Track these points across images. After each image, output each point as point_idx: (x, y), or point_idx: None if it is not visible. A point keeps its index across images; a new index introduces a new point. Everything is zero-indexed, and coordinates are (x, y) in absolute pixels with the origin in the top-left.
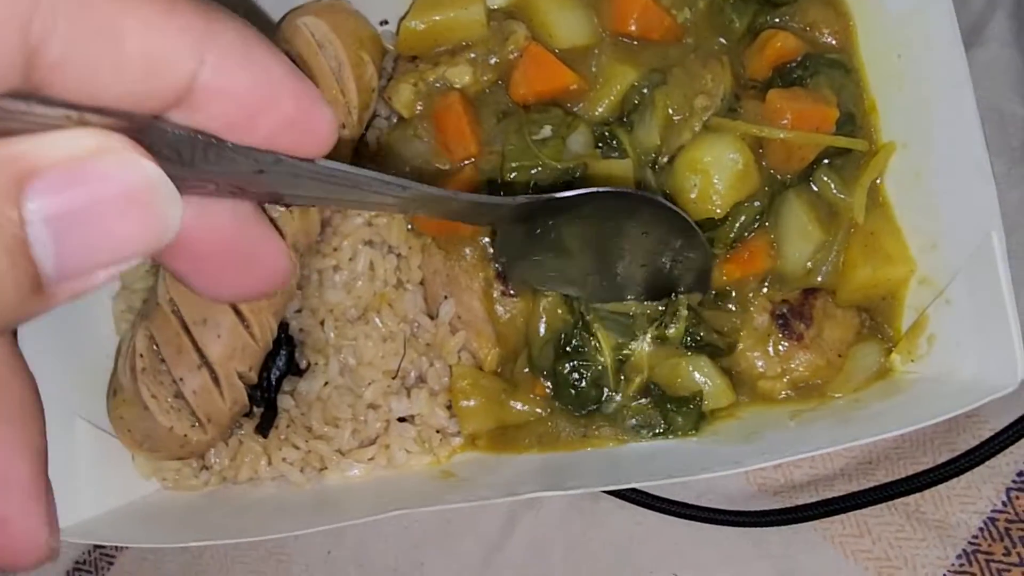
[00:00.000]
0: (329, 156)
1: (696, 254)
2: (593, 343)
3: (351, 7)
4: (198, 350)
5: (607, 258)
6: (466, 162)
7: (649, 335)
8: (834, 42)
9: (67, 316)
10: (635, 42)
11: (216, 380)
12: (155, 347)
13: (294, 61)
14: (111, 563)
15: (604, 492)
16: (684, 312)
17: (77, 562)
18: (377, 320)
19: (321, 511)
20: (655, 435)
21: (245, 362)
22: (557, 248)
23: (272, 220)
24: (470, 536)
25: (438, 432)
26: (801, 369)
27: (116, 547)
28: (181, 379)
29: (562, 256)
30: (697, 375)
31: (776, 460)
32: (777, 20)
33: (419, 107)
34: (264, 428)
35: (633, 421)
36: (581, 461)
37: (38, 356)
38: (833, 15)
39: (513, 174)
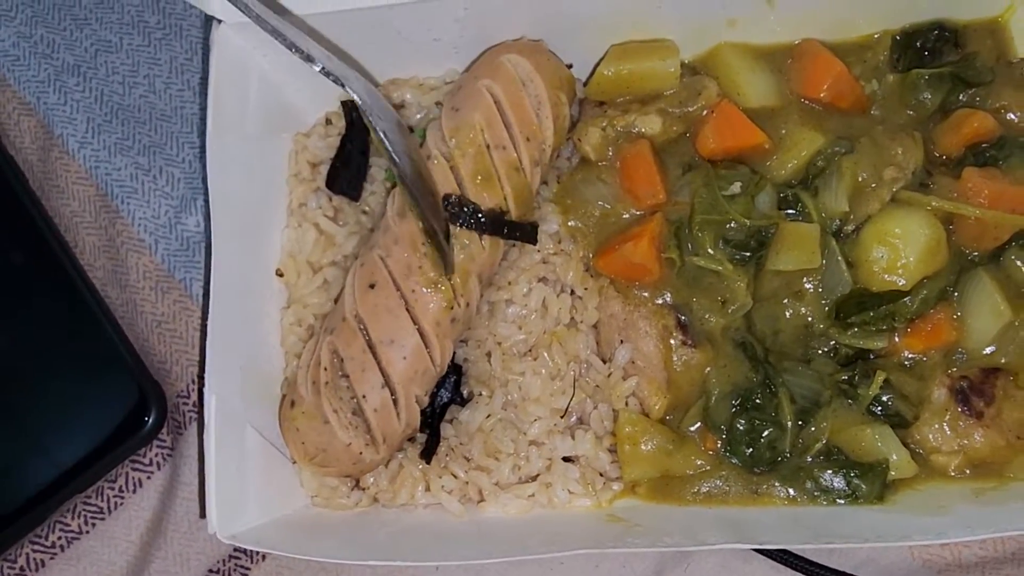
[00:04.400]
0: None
1: None
2: (775, 402)
3: (550, 50)
4: (382, 369)
5: None
6: (652, 209)
7: (836, 399)
8: None
9: (240, 325)
10: (821, 108)
11: (395, 401)
12: (338, 361)
13: (494, 96)
14: (245, 574)
15: (757, 552)
16: (880, 377)
17: (211, 570)
18: (547, 357)
19: (487, 543)
20: (836, 500)
21: (423, 386)
22: None
23: (463, 249)
24: None
25: (600, 475)
26: (979, 447)
27: (251, 559)
28: (364, 396)
29: None
30: (881, 444)
31: (980, 535)
32: (965, 99)
33: (609, 151)
34: (428, 454)
35: (810, 484)
36: (755, 518)
37: (217, 366)
38: None
39: (702, 226)
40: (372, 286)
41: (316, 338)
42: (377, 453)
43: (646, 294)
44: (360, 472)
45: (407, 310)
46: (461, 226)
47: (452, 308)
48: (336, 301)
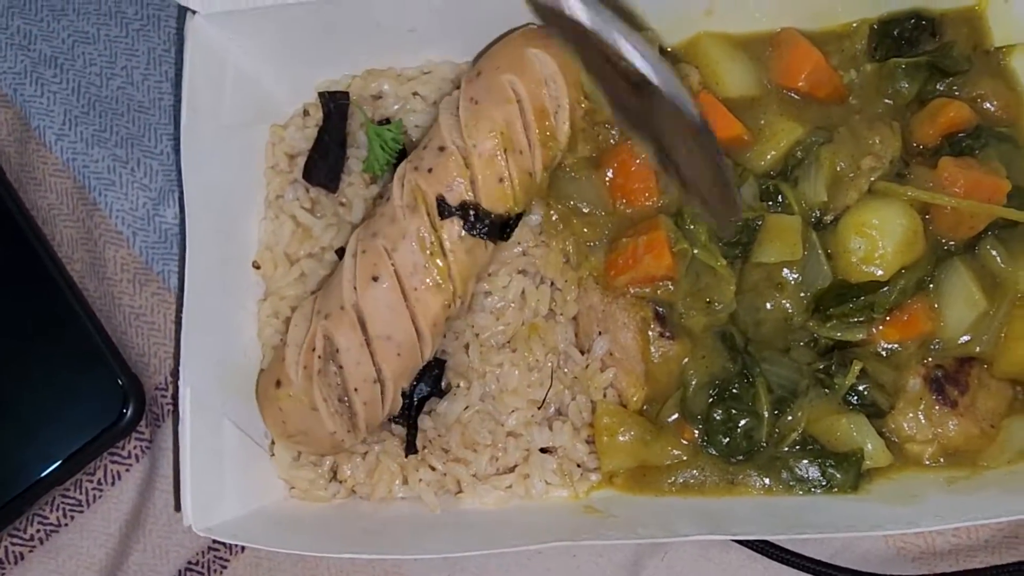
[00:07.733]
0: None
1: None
2: (752, 392)
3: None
4: (375, 363)
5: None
6: (647, 204)
7: (812, 388)
8: (1002, 115)
9: (215, 317)
10: (799, 98)
11: (383, 394)
12: (331, 350)
13: (518, 95)
14: (224, 566)
15: (735, 542)
16: (856, 367)
17: (190, 562)
18: (525, 348)
19: (465, 536)
20: (811, 490)
21: (408, 379)
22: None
23: (468, 251)
24: (595, 574)
25: (578, 466)
26: (953, 435)
27: (230, 551)
28: (356, 389)
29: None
30: (856, 433)
31: (951, 524)
32: (944, 88)
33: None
34: (410, 447)
35: (786, 474)
36: (731, 508)
37: (192, 358)
38: (1004, 88)
39: (694, 218)
40: (375, 279)
41: (308, 319)
42: (356, 439)
43: (628, 287)
44: (334, 453)
45: (408, 307)
46: (473, 235)
47: (450, 307)
48: (319, 286)
